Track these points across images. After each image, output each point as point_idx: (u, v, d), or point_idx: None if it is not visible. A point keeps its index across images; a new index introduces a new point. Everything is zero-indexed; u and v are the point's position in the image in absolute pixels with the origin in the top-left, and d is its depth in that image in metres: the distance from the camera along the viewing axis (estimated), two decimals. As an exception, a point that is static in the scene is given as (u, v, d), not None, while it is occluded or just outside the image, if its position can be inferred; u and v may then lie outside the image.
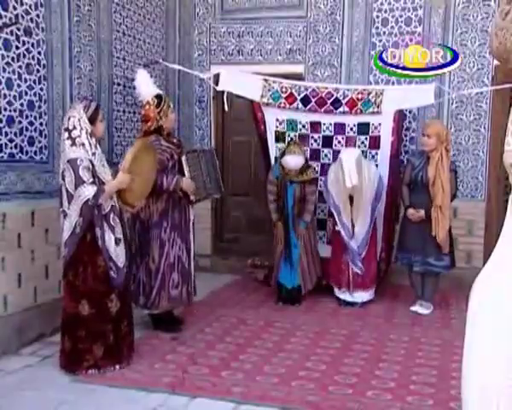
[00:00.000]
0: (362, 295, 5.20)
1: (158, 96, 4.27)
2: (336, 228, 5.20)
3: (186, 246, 4.33)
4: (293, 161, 5.01)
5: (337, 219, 5.12)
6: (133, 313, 3.84)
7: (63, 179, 3.42)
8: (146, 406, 3.14)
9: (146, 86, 4.34)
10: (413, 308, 5.04)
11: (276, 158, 5.52)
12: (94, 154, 3.47)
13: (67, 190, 3.40)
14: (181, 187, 4.20)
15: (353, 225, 5.06)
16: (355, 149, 5.26)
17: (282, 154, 5.17)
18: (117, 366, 3.57)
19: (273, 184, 5.24)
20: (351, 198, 5.02)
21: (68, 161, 3.38)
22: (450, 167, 4.84)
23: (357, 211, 5.04)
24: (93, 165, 3.44)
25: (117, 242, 3.54)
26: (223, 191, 4.84)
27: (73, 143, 3.41)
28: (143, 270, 4.26)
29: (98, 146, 3.56)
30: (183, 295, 4.34)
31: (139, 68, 4.73)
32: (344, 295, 5.23)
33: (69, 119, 3.48)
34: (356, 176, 4.86)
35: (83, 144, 3.42)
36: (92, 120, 3.52)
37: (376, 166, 5.27)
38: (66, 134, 3.43)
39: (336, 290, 5.28)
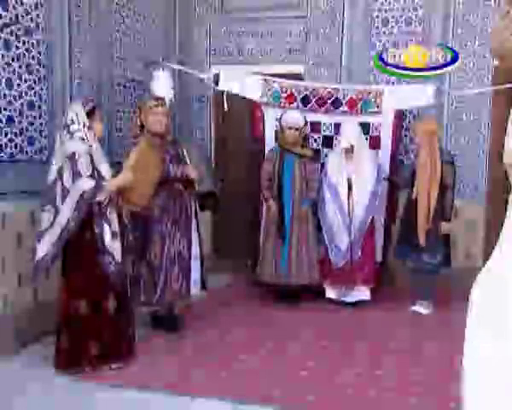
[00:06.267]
0: (357, 294, 5.17)
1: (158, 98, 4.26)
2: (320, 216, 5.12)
3: (186, 241, 4.33)
4: (293, 116, 4.95)
5: (331, 204, 5.07)
6: (134, 313, 3.84)
7: (60, 176, 3.41)
8: (146, 406, 3.14)
9: (163, 84, 4.32)
10: (413, 308, 5.05)
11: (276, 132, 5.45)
12: (91, 146, 3.48)
13: (64, 186, 3.39)
14: (187, 173, 4.23)
15: (352, 211, 5.01)
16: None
17: (281, 116, 5.11)
18: (113, 366, 3.56)
19: (269, 161, 5.12)
20: (349, 187, 5.00)
21: (67, 156, 3.40)
22: (444, 159, 4.86)
23: (357, 195, 4.99)
24: (92, 157, 3.45)
25: (113, 235, 3.52)
26: (216, 187, 4.66)
27: (72, 137, 3.45)
28: (145, 267, 4.25)
29: (97, 140, 3.58)
30: (183, 290, 4.34)
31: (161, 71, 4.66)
32: (338, 295, 5.18)
33: (67, 114, 3.54)
34: (354, 136, 4.89)
35: (81, 138, 3.46)
36: (89, 115, 3.54)
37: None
38: (66, 130, 3.47)
39: (329, 291, 5.23)
